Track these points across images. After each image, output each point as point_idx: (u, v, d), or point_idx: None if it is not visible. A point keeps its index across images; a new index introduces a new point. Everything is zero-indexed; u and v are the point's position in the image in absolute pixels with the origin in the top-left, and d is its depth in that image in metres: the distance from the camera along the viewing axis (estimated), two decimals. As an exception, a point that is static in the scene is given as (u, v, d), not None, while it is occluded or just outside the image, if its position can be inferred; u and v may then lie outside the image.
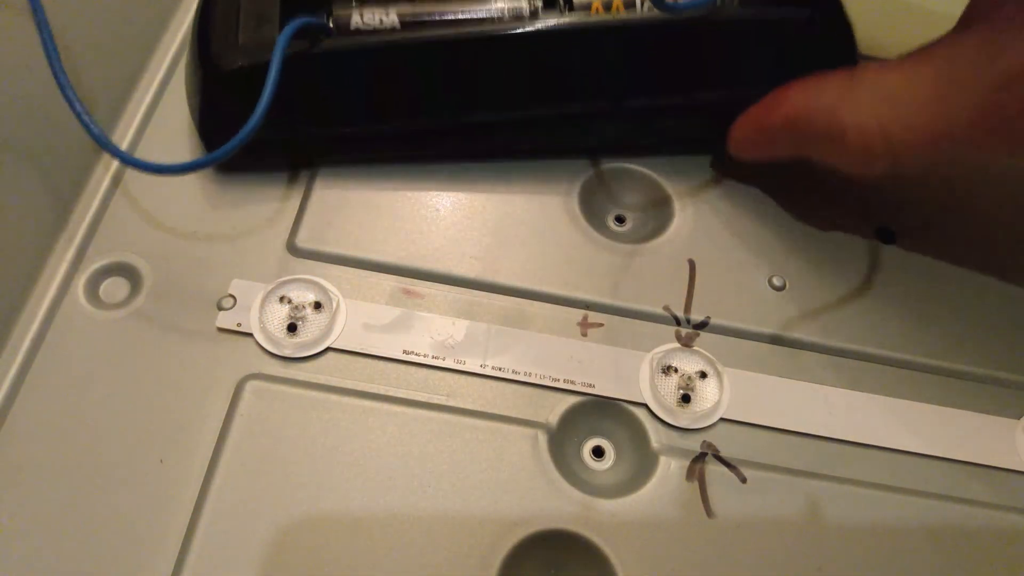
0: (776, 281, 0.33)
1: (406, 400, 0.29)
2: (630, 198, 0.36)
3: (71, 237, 0.31)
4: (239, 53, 0.22)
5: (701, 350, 0.31)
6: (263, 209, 0.33)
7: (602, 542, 0.27)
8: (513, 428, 0.29)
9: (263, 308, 0.30)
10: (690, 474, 0.29)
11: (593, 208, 0.35)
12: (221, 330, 0.30)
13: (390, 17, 0.22)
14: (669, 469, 0.29)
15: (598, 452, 0.30)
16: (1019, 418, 0.31)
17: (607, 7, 0.24)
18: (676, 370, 0.31)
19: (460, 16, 0.22)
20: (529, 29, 0.23)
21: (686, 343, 0.31)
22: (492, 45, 0.23)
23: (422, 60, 0.22)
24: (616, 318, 0.32)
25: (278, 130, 0.23)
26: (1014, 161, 0.25)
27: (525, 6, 0.22)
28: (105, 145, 0.23)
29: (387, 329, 0.30)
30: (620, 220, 0.36)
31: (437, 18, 0.22)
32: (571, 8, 0.23)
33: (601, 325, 0.32)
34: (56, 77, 0.22)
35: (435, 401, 0.29)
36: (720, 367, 0.31)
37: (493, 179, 0.34)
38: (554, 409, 0.30)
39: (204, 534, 0.26)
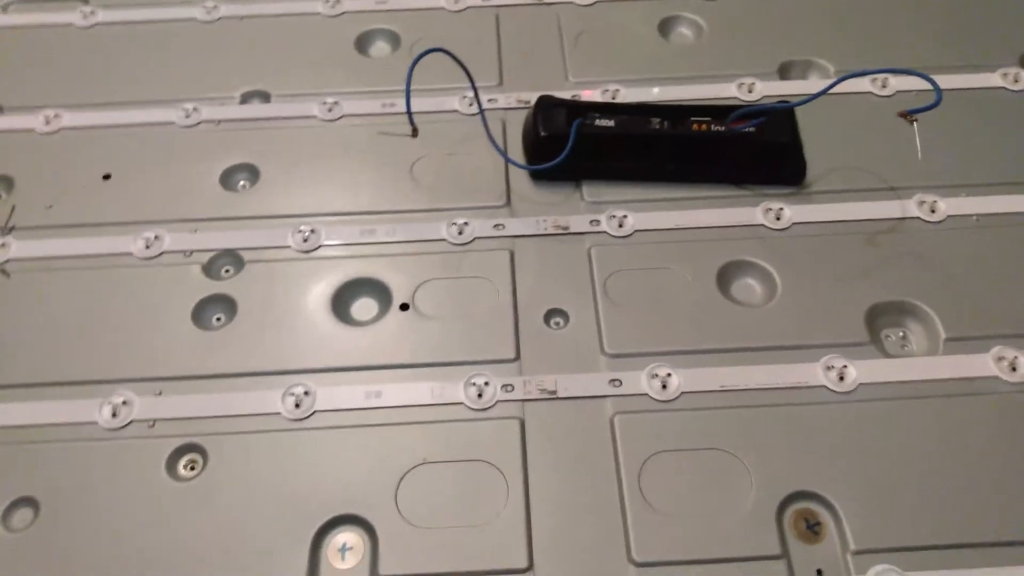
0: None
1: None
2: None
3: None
4: (548, 130, 0.45)
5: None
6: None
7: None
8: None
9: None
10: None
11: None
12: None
13: (610, 122, 0.45)
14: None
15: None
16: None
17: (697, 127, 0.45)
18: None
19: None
20: (666, 132, 0.45)
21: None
22: (651, 137, 0.45)
23: (625, 139, 0.45)
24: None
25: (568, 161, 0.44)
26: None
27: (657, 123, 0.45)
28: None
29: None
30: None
31: (631, 127, 0.45)
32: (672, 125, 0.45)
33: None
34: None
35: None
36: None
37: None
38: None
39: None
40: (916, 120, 0.43)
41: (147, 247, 0.43)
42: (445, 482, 0.35)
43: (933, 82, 0.41)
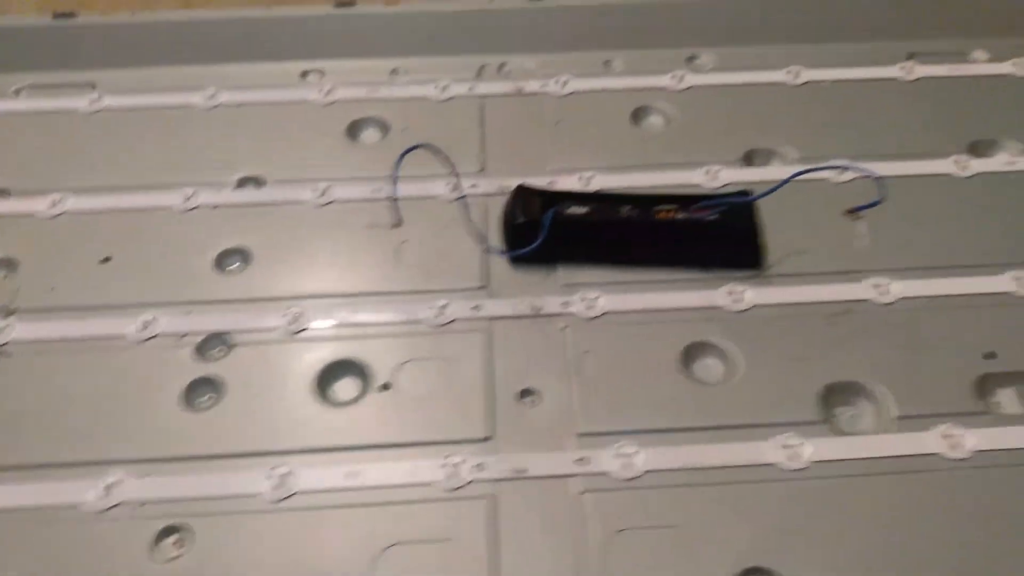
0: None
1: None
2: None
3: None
4: (524, 218, 0.48)
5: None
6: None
7: None
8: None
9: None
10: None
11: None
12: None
13: (583, 210, 0.48)
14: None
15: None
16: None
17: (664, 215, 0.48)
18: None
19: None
20: (635, 219, 0.48)
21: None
22: (620, 224, 0.48)
23: (596, 226, 0.48)
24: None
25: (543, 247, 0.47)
26: None
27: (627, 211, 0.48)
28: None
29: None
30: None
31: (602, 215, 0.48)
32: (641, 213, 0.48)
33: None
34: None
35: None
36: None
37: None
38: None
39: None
40: (861, 217, 0.46)
41: (143, 329, 0.45)
42: (419, 561, 0.37)
43: (878, 179, 0.44)
